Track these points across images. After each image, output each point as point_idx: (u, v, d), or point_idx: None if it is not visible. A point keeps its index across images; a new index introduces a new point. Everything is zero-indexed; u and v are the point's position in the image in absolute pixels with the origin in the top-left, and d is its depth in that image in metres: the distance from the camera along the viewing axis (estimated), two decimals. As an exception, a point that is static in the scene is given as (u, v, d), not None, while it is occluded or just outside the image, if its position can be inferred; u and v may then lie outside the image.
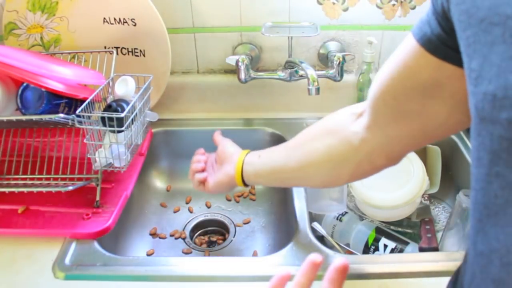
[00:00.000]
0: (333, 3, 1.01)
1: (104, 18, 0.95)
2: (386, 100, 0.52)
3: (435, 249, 0.79)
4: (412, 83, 0.48)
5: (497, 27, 0.33)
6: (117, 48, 0.98)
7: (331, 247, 0.82)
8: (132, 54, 0.99)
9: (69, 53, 0.94)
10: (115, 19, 0.95)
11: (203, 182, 0.76)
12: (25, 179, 0.84)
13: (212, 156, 0.80)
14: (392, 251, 0.80)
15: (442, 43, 0.43)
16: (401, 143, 0.55)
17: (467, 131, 0.98)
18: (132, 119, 0.78)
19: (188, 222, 0.97)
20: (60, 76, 0.77)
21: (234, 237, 0.93)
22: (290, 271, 0.42)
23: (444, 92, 0.46)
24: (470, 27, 0.36)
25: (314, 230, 0.82)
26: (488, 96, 0.33)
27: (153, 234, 0.93)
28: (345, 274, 0.39)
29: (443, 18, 0.41)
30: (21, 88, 0.79)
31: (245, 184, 0.71)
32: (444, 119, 0.48)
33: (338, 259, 0.39)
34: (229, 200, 1.03)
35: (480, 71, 0.34)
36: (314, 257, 0.40)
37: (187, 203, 1.02)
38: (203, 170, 0.77)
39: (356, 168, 0.59)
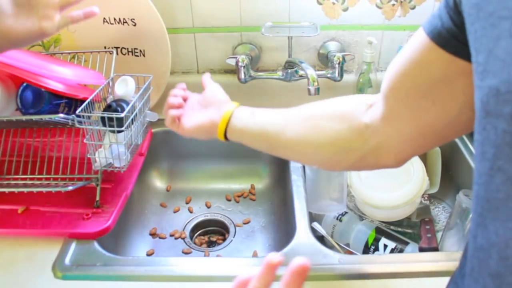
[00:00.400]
0: (333, 3, 1.01)
1: (104, 18, 0.95)
2: (397, 95, 0.51)
3: (435, 249, 0.79)
4: (422, 78, 0.47)
5: (505, 21, 0.33)
6: (117, 48, 0.98)
7: (331, 247, 0.82)
8: (132, 54, 0.99)
9: (69, 53, 0.94)
10: (115, 19, 0.95)
11: (176, 121, 0.70)
12: (25, 179, 0.84)
13: (194, 95, 0.74)
14: (392, 251, 0.80)
15: (453, 37, 0.42)
16: (411, 142, 0.53)
17: (467, 131, 0.98)
18: (132, 119, 0.78)
19: (188, 222, 0.97)
20: (60, 76, 0.77)
21: (234, 237, 0.93)
22: (251, 273, 0.38)
23: (455, 88, 0.45)
24: (478, 21, 0.36)
25: (314, 230, 0.82)
26: (492, 90, 0.33)
27: (153, 234, 0.93)
28: (303, 276, 0.35)
29: (455, 11, 0.41)
30: (21, 88, 0.79)
31: (225, 138, 0.66)
32: (455, 116, 0.48)
33: (296, 259, 0.35)
34: (229, 200, 1.03)
35: (485, 65, 0.34)
36: (271, 258, 0.36)
37: (187, 203, 1.02)
38: (179, 107, 0.71)
39: (360, 160, 0.57)
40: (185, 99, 0.73)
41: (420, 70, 0.47)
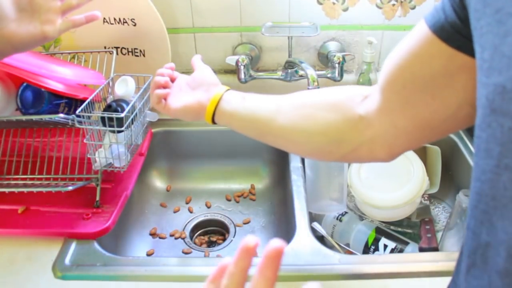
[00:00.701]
0: (333, 3, 1.01)
1: (104, 18, 0.95)
2: (395, 88, 0.50)
3: (435, 249, 0.79)
4: (422, 72, 0.46)
5: None
6: (117, 48, 0.98)
7: (331, 247, 0.82)
8: (132, 54, 0.99)
9: (69, 53, 0.94)
10: (115, 19, 0.95)
11: (162, 101, 0.68)
12: (25, 179, 0.84)
13: (183, 76, 0.72)
14: (392, 251, 0.80)
15: (456, 31, 0.41)
16: (406, 136, 0.52)
17: (467, 131, 0.98)
18: (132, 119, 0.78)
19: (188, 222, 0.97)
20: (60, 76, 0.77)
21: (234, 237, 0.93)
22: (229, 260, 0.36)
23: (455, 83, 0.45)
24: (485, 17, 0.35)
25: (314, 230, 0.82)
26: (498, 87, 0.33)
27: (153, 234, 0.93)
28: (278, 260, 0.32)
29: (459, 5, 0.40)
30: (21, 88, 0.79)
31: (213, 121, 0.64)
32: (453, 111, 0.47)
33: (271, 242, 0.33)
34: (229, 200, 1.03)
35: (491, 62, 0.34)
36: (247, 241, 0.33)
37: (187, 203, 1.02)
38: (165, 86, 0.69)
39: (352, 151, 0.56)
40: (173, 80, 0.71)
41: (421, 63, 0.46)
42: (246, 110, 0.62)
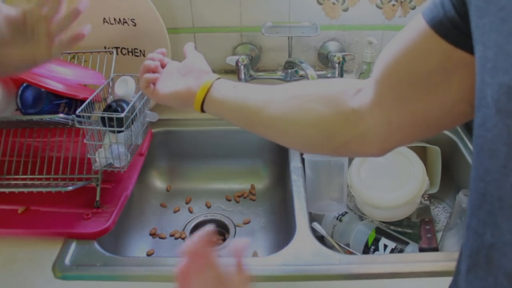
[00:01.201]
0: (333, 3, 1.01)
1: (104, 18, 0.95)
2: (389, 82, 0.49)
3: (435, 249, 0.79)
4: (419, 67, 0.46)
5: None
6: (117, 48, 0.98)
7: (331, 247, 0.82)
8: (132, 54, 0.99)
9: (69, 53, 0.93)
10: (115, 19, 0.95)
11: (151, 85, 0.66)
12: (25, 179, 0.84)
13: (174, 63, 0.70)
14: (392, 251, 0.80)
15: (455, 27, 0.41)
16: (400, 131, 0.51)
17: (467, 131, 0.98)
18: (132, 119, 0.78)
19: (188, 222, 0.97)
20: (60, 76, 0.77)
21: (234, 237, 0.93)
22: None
23: (452, 79, 0.44)
24: (488, 15, 0.35)
25: (314, 230, 0.82)
26: (503, 87, 0.32)
27: (153, 234, 0.93)
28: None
29: (459, 1, 0.40)
30: (21, 88, 0.79)
31: (202, 110, 0.63)
32: (448, 108, 0.46)
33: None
34: (229, 200, 1.03)
35: (495, 61, 0.33)
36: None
37: (187, 203, 1.02)
38: (154, 71, 0.67)
39: (343, 145, 0.55)
40: (163, 66, 0.70)
41: (417, 58, 0.45)
42: (236, 99, 0.60)
